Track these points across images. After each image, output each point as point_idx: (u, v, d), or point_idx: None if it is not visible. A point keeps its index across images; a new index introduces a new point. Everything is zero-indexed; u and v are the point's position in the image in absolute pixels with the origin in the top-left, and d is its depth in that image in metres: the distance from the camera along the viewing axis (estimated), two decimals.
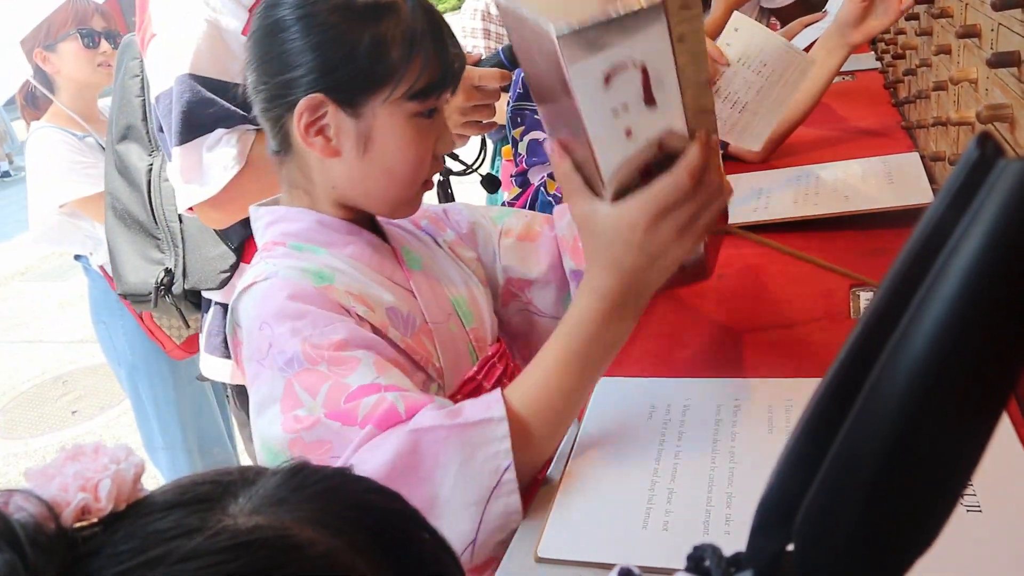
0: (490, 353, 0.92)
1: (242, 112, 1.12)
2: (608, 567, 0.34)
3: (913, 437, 0.24)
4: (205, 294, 1.39)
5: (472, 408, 0.71)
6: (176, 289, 1.37)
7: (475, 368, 0.89)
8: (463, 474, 0.69)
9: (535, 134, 1.34)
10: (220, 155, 1.11)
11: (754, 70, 1.09)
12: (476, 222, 1.04)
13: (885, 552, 0.26)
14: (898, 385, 0.23)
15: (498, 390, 0.73)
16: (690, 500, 0.69)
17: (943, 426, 0.23)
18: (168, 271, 1.38)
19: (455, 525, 0.69)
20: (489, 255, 1.03)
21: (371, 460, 0.68)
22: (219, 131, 1.11)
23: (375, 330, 0.79)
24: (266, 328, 0.75)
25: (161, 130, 1.19)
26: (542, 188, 1.32)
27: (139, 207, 1.44)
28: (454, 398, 0.85)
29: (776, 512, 0.29)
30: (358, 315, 0.78)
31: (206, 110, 1.10)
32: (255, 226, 0.89)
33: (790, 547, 0.29)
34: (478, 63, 1.24)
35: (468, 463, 0.69)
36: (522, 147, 1.34)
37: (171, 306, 1.40)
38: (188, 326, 1.50)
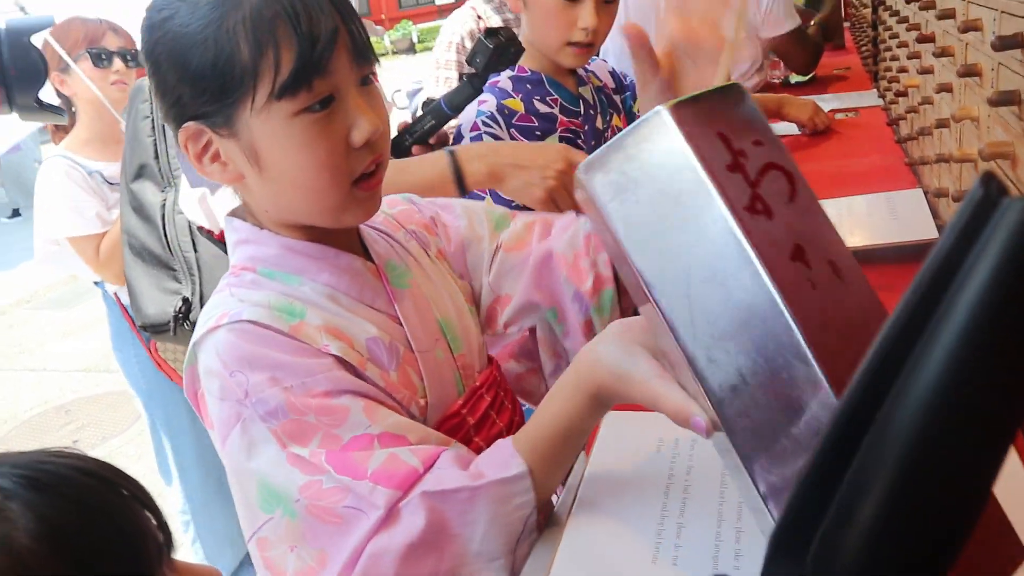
0: (477, 384, 0.85)
1: None
2: None
3: (926, 466, 0.24)
4: None
5: (490, 467, 0.70)
6: (194, 316, 1.41)
7: (460, 401, 0.82)
8: (493, 527, 0.68)
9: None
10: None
11: None
12: (468, 241, 0.93)
13: None
14: (910, 415, 0.24)
15: (510, 443, 0.72)
16: (699, 535, 0.69)
17: (955, 455, 0.24)
18: (185, 300, 1.42)
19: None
20: (478, 275, 0.93)
21: (401, 531, 0.66)
22: None
23: (353, 371, 0.72)
24: (238, 375, 0.69)
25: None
26: None
27: (155, 241, 1.49)
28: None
29: (790, 542, 0.29)
30: (333, 355, 0.71)
31: None
32: (228, 238, 0.81)
33: None
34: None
35: (497, 518, 0.69)
36: None
37: (190, 333, 1.43)
38: None
